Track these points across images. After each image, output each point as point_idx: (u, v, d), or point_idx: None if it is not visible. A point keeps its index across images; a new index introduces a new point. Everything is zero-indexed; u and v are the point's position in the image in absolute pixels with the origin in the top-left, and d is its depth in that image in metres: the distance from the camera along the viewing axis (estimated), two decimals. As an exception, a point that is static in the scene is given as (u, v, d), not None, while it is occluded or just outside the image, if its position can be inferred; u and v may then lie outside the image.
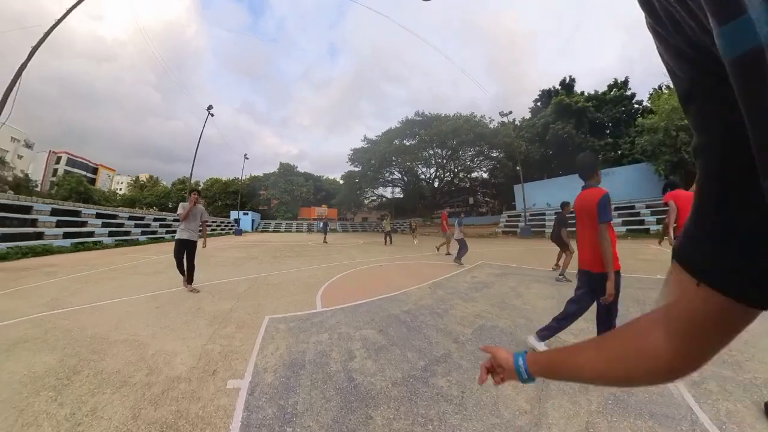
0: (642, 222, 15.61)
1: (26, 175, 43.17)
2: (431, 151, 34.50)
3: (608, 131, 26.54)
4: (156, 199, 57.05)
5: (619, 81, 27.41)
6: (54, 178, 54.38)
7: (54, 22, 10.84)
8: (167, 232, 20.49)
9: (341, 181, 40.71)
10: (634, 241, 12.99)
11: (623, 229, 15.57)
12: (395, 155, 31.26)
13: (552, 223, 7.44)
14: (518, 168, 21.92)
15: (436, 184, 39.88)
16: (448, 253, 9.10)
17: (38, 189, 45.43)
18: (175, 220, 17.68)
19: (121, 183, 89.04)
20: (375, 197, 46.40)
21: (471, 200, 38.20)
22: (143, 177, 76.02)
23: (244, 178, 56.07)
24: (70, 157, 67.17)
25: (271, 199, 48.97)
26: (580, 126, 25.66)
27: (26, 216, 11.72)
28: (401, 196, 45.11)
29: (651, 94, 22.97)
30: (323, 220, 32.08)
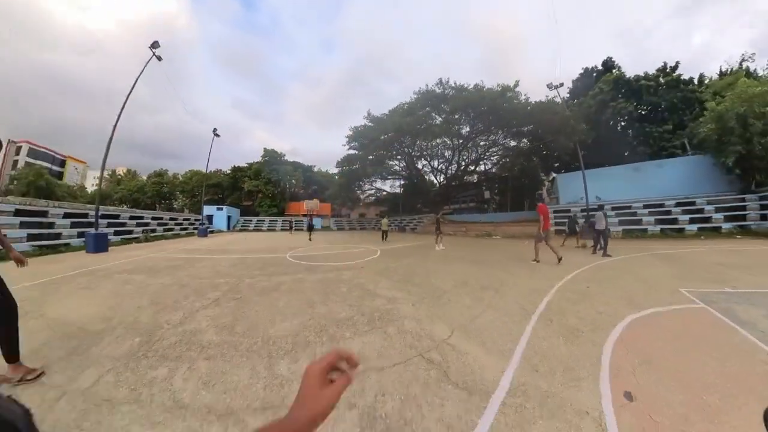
0: (709, 219, 14.64)
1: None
2: (440, 140, 29.11)
3: (666, 117, 22.86)
4: (128, 194, 51.01)
5: (668, 65, 24.18)
6: (14, 172, 47.81)
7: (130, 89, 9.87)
8: (116, 233, 15.16)
9: (336, 169, 34.56)
10: (716, 240, 12.27)
11: (694, 227, 14.60)
12: (412, 131, 24.49)
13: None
14: (579, 153, 17.46)
15: (444, 176, 34.46)
16: (536, 260, 7.52)
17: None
18: (108, 216, 11.67)
19: (96, 177, 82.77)
20: (373, 190, 40.79)
21: (487, 194, 33.22)
22: (120, 170, 69.64)
23: (226, 170, 50.21)
24: (31, 147, 60.09)
25: (255, 192, 42.68)
26: (640, 108, 22.16)
27: None
28: (400, 191, 39.65)
29: (704, 81, 21.42)
30: (309, 216, 27.31)
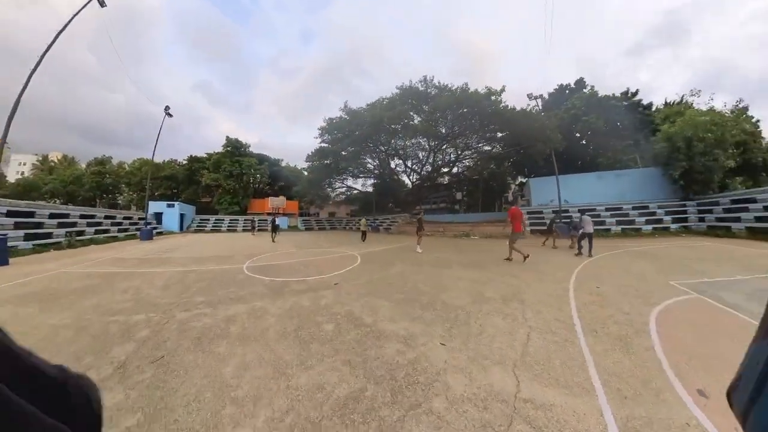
0: (661, 221, 17.11)
1: None
2: (415, 140, 28.94)
3: (625, 134, 25.76)
4: (61, 186, 44.47)
5: (630, 91, 27.75)
6: None
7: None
8: (27, 237, 12.05)
9: (306, 164, 32.40)
10: (667, 238, 14.90)
11: (649, 227, 16.95)
12: (389, 128, 23.91)
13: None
14: (554, 160, 19.35)
15: (419, 175, 34.06)
16: (525, 255, 7.98)
17: None
18: (17, 214, 10.22)
19: (24, 164, 71.97)
20: (344, 188, 39.22)
21: (459, 195, 33.31)
22: (55, 156, 60.84)
23: (182, 160, 45.39)
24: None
25: (214, 187, 38.66)
26: (607, 124, 24.43)
27: None
28: (371, 189, 38.59)
29: (651, 108, 25.83)
30: (273, 214, 25.97)
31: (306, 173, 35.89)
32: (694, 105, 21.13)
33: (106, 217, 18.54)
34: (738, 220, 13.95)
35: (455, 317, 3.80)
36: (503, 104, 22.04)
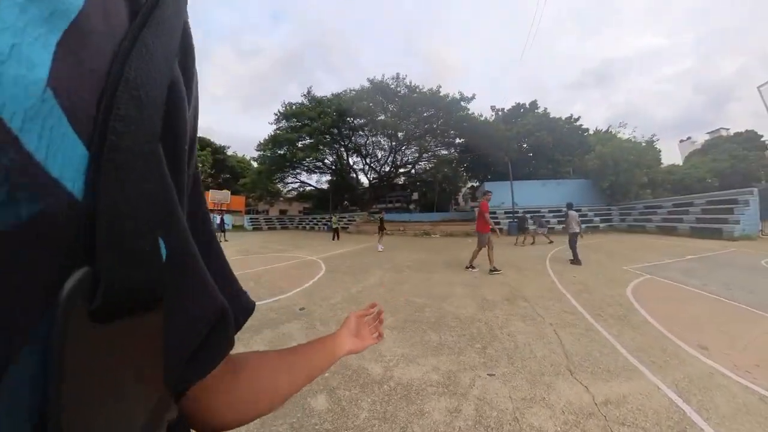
0: (592, 221, 20.57)
1: None
2: (374, 139, 28.74)
3: (565, 150, 29.71)
4: None
5: (573, 116, 32.27)
6: None
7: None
8: None
9: (257, 153, 29.39)
10: (597, 234, 17.30)
11: (584, 226, 20.48)
12: (354, 122, 23.30)
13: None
14: (510, 167, 21.48)
15: (377, 174, 33.70)
16: (471, 266, 6.51)
17: None
18: None
19: None
20: (297, 183, 37.01)
21: (415, 195, 33.57)
22: None
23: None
24: None
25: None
26: (553, 141, 27.67)
27: None
28: (326, 186, 37.20)
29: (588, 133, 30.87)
30: (220, 212, 23.61)
31: (256, 164, 32.94)
32: (618, 134, 25.73)
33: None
34: (650, 221, 17.87)
35: (478, 332, 3.26)
36: (470, 112, 23.10)
